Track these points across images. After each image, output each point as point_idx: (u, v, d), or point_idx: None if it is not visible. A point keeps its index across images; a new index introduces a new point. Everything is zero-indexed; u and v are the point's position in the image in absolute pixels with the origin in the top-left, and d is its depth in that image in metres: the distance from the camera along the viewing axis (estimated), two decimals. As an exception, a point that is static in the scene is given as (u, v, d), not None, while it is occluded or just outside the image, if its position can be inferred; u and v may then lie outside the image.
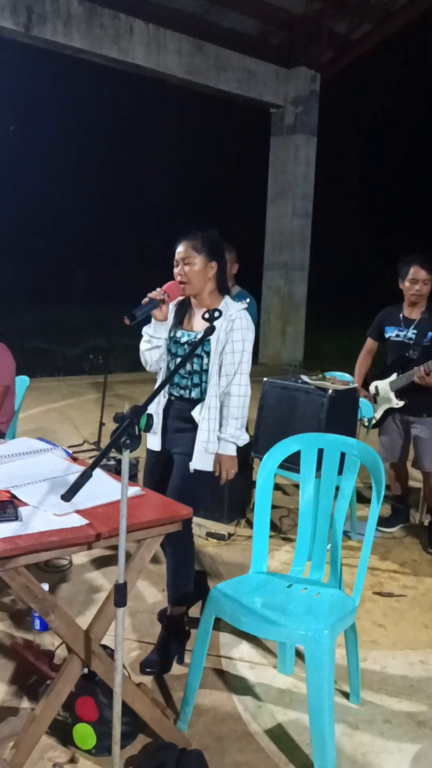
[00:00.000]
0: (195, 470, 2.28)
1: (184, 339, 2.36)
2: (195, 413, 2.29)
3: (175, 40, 8.71)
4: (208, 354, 2.29)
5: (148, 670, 2.23)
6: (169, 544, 2.27)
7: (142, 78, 9.20)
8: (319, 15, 9.64)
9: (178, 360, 2.35)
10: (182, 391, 2.34)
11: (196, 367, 2.32)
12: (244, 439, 2.32)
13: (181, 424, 2.34)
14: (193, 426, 2.29)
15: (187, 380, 2.34)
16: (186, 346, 2.34)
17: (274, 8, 9.35)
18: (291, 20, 9.73)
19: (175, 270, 2.34)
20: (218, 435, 2.28)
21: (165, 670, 2.25)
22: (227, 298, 2.39)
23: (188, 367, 2.32)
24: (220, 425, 2.31)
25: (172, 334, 2.39)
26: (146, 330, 2.38)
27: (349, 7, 9.59)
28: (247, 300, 3.70)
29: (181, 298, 2.40)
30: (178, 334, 2.38)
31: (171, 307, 2.40)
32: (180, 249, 2.32)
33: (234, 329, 2.28)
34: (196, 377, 2.33)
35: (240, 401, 2.29)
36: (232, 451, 2.30)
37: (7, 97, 16.93)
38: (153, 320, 2.32)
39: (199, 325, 2.35)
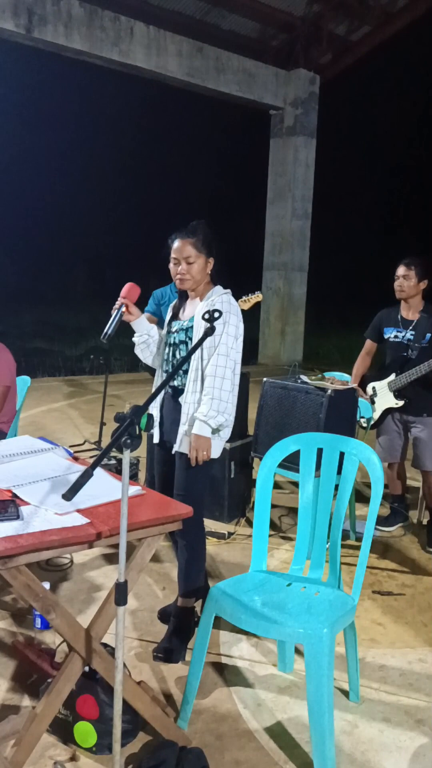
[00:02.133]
0: (177, 453, 2.31)
1: (176, 327, 2.42)
2: (181, 400, 2.33)
3: (175, 42, 8.73)
4: (191, 340, 2.34)
5: (160, 655, 2.29)
6: (181, 536, 2.31)
7: (143, 80, 9.23)
8: (319, 17, 9.68)
9: (171, 348, 2.41)
10: (174, 381, 2.39)
11: (183, 353, 2.37)
12: (218, 421, 2.25)
13: (176, 416, 2.36)
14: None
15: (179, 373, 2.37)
16: (176, 333, 2.40)
17: (273, 10, 9.39)
18: (290, 22, 9.76)
19: (173, 267, 2.36)
20: (194, 415, 2.27)
21: (171, 660, 2.29)
22: (218, 287, 2.42)
23: (177, 354, 2.38)
24: None
25: (169, 327, 2.47)
26: (135, 337, 2.49)
27: (348, 9, 9.62)
28: (259, 294, 3.71)
29: (176, 297, 2.49)
30: (173, 324, 2.45)
31: (173, 304, 2.52)
32: (177, 246, 2.33)
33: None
34: (185, 364, 2.36)
35: (216, 382, 2.24)
36: (204, 432, 2.24)
37: (8, 98, 16.95)
38: (130, 323, 2.41)
39: (189, 313, 2.41)
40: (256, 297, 3.68)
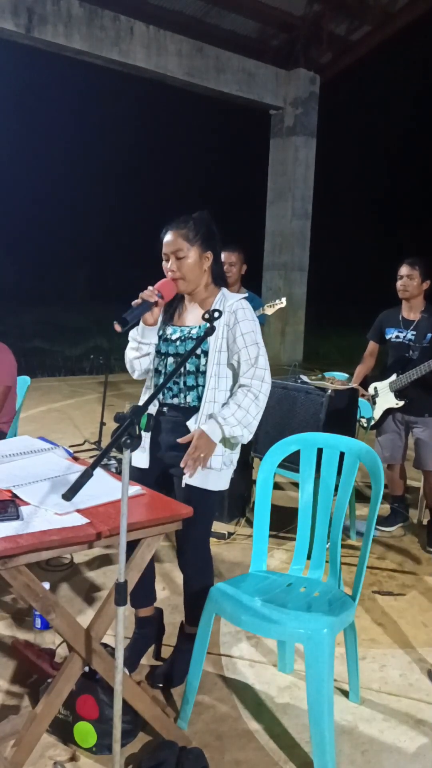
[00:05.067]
0: (187, 485, 2.01)
1: (176, 335, 2.07)
2: (190, 424, 2.01)
3: (175, 41, 8.73)
4: (206, 353, 2.00)
5: (160, 685, 2.16)
6: (188, 566, 2.16)
7: (143, 80, 9.23)
8: (319, 17, 9.67)
9: (170, 360, 2.06)
10: (174, 399, 2.06)
11: (190, 367, 2.03)
12: (235, 432, 1.97)
13: (175, 439, 2.04)
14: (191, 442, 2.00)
15: (179, 383, 2.05)
16: (178, 342, 2.06)
17: (273, 10, 9.38)
18: (291, 22, 9.76)
19: (165, 265, 2.04)
20: (212, 414, 1.99)
21: (172, 685, 2.17)
22: (224, 289, 2.12)
23: (181, 369, 2.04)
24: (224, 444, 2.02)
25: (160, 332, 2.11)
26: (133, 335, 2.08)
27: (348, 9, 9.62)
28: (262, 310, 3.73)
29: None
30: (168, 330, 2.10)
31: None
32: (168, 240, 2.01)
33: (239, 320, 2.00)
34: (190, 378, 2.03)
35: (250, 393, 1.98)
36: (214, 434, 1.95)
37: (8, 98, 16.95)
38: (141, 323, 2.03)
39: (192, 319, 2.09)
40: (280, 303, 3.72)
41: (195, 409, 2.03)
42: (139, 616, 2.31)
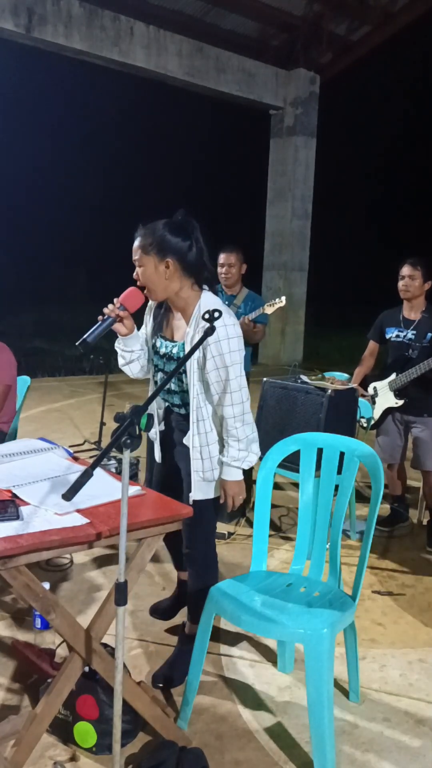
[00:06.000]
0: (194, 501, 2.09)
1: (163, 350, 2.13)
2: (186, 441, 2.10)
3: (175, 41, 8.73)
4: (186, 373, 2.04)
5: (160, 685, 2.16)
6: (193, 564, 2.19)
7: (143, 79, 9.23)
8: (319, 17, 9.67)
9: (159, 375, 2.16)
10: (175, 408, 2.20)
11: (174, 387, 2.11)
12: (250, 461, 2.08)
13: (181, 437, 2.16)
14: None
15: (171, 398, 2.16)
16: (165, 359, 2.12)
17: (273, 10, 9.38)
18: (291, 22, 9.76)
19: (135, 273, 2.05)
20: (220, 458, 2.08)
21: (172, 686, 2.17)
22: (205, 295, 2.04)
23: (171, 385, 2.11)
24: (221, 448, 2.09)
25: (153, 341, 2.17)
26: (116, 345, 2.14)
27: (348, 9, 9.62)
28: (262, 309, 3.71)
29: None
30: (157, 343, 2.15)
31: (150, 305, 2.19)
32: (133, 247, 2.00)
33: (209, 342, 1.95)
34: (176, 397, 2.13)
35: (236, 422, 2.02)
36: (236, 476, 2.07)
37: (8, 98, 16.96)
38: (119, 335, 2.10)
39: (179, 334, 2.11)
40: (280, 302, 3.70)
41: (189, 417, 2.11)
42: (180, 579, 2.53)
